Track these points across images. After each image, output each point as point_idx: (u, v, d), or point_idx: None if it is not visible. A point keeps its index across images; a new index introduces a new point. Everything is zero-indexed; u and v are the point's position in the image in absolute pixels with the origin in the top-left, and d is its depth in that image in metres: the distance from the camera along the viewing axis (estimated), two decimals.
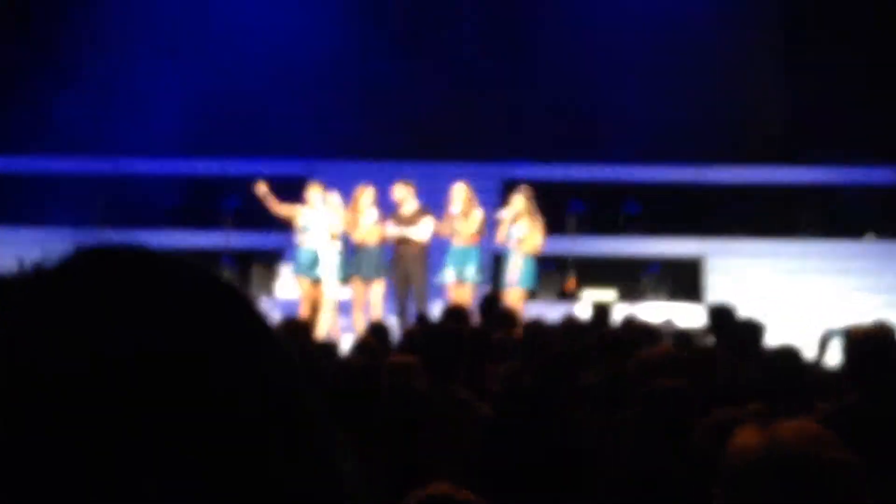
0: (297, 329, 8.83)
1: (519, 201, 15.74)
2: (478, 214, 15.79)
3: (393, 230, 15.60)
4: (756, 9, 20.59)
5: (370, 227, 15.62)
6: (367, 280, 15.64)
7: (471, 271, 15.58)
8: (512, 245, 15.68)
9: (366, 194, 15.71)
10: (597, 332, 9.62)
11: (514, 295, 15.46)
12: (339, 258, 15.44)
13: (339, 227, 15.47)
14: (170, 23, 20.90)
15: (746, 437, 2.49)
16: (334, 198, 15.62)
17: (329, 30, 20.94)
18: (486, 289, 14.74)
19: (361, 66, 20.88)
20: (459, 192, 15.70)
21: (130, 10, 21.04)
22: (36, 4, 21.09)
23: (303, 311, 15.16)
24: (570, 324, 10.01)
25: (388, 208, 15.87)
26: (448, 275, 15.66)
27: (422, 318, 12.05)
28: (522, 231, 15.64)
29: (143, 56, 20.84)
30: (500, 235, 15.77)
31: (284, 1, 21.02)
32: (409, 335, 9.18)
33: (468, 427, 6.23)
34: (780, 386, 6.36)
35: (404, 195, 15.77)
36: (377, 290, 15.61)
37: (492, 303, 11.72)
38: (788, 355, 6.57)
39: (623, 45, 20.77)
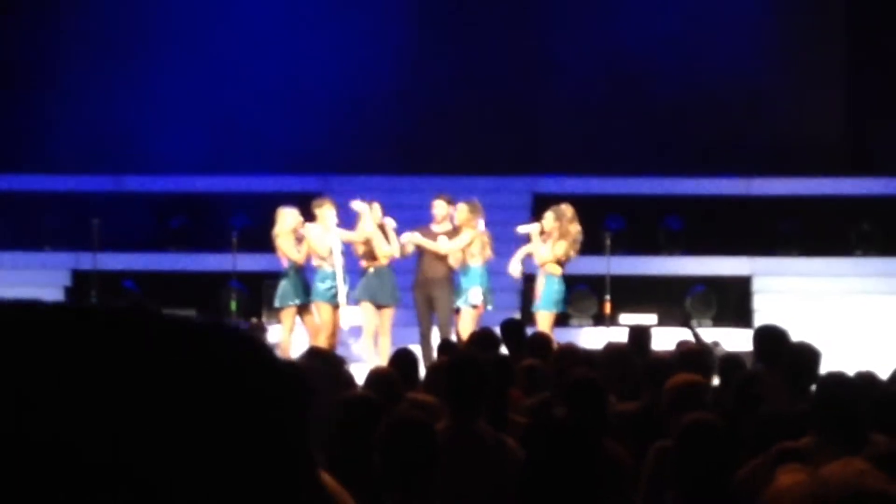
0: (328, 360, 8.68)
1: (547, 219, 15.92)
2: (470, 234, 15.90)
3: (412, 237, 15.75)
4: (813, 12, 20.49)
5: (385, 250, 15.75)
6: (385, 306, 15.70)
7: (471, 294, 15.72)
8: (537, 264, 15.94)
9: (374, 212, 15.82)
10: (637, 359, 9.56)
11: (538, 319, 15.54)
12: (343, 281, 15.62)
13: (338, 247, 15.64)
14: (176, 37, 20.95)
15: (790, 480, 2.47)
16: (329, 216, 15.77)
17: (346, 41, 20.95)
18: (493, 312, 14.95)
19: (382, 77, 20.88)
20: (462, 212, 15.86)
21: (136, 23, 21.10)
22: (36, 22, 21.18)
23: (325, 340, 15.29)
24: (608, 350, 9.94)
25: (409, 223, 15.96)
26: (461, 299, 15.83)
27: (447, 346, 11.96)
28: (541, 249, 15.84)
29: (147, 71, 20.89)
30: (532, 255, 15.96)
31: (297, 11, 21.06)
32: (434, 368, 9.09)
33: (494, 467, 6.23)
34: (833, 418, 6.28)
35: (443, 213, 15.90)
36: (389, 315, 15.71)
37: (513, 328, 11.70)
38: (840, 383, 6.50)
39: (664, 48, 20.70)
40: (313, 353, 8.45)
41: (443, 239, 15.84)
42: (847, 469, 2.50)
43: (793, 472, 2.46)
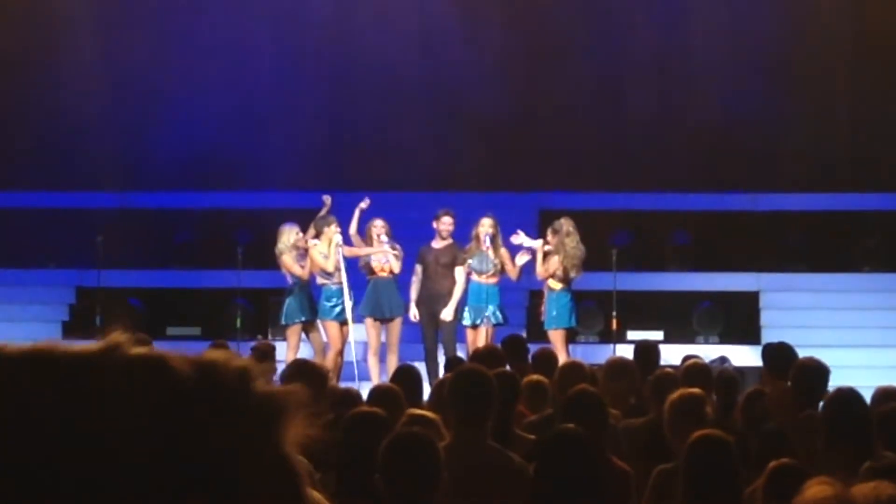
0: (314, 377, 8.67)
1: (548, 234, 15.93)
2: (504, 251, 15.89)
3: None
4: (819, 29, 20.44)
5: (392, 263, 15.81)
6: (389, 319, 15.71)
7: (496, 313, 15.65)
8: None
9: (377, 229, 15.88)
10: (644, 375, 9.55)
11: (549, 337, 15.47)
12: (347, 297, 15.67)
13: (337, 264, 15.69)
14: (178, 52, 20.94)
15: (816, 493, 2.41)
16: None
17: (349, 56, 20.95)
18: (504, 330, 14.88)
19: (385, 95, 20.86)
20: (491, 227, 15.78)
21: (134, 34, 21.09)
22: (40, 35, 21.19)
23: (332, 358, 15.32)
24: (612, 365, 9.91)
25: (414, 239, 15.99)
26: (466, 317, 15.75)
27: (455, 362, 11.89)
28: (538, 265, 15.81)
29: (151, 87, 20.88)
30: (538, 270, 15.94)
31: (297, 27, 21.06)
32: (441, 384, 9.04)
33: (501, 483, 6.19)
34: (841, 432, 6.23)
35: (448, 227, 15.95)
36: (396, 331, 15.68)
37: (515, 344, 11.68)
38: (848, 398, 6.46)
39: (671, 62, 20.68)
40: (297, 367, 8.41)
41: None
42: (878, 489, 2.46)
43: (821, 484, 2.42)
